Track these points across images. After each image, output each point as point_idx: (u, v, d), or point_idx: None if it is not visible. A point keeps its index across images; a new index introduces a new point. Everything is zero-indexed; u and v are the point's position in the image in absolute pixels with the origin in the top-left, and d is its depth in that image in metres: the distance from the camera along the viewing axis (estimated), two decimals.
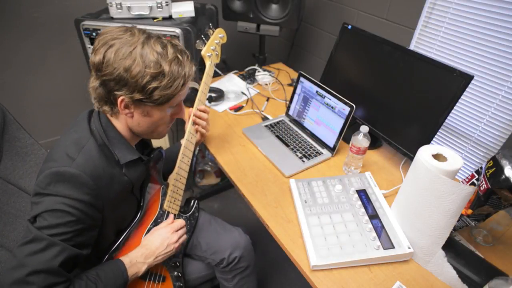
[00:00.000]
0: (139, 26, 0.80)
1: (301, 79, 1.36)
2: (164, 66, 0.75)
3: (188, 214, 1.11)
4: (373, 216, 0.97)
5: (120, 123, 0.83)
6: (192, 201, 1.15)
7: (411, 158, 1.09)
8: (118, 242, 0.90)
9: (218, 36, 1.22)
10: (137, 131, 0.85)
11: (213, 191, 2.16)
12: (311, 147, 1.28)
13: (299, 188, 1.07)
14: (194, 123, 1.10)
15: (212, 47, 1.18)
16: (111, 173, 0.79)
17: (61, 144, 0.77)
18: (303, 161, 1.22)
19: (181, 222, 1.01)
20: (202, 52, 1.16)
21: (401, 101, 1.18)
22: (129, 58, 0.72)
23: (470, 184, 0.95)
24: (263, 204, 1.05)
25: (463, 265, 0.85)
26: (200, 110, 1.10)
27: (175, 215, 1.05)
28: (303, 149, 1.27)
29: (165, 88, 0.77)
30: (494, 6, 1.17)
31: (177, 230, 0.99)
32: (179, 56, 0.78)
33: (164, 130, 0.90)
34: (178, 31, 1.46)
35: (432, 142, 1.08)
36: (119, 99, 0.76)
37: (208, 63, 1.16)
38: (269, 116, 1.47)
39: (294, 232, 0.96)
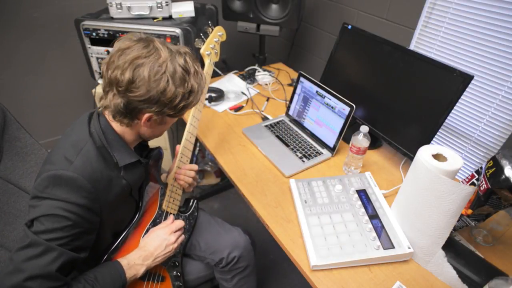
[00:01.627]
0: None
1: (301, 79, 1.36)
2: (191, 83, 0.77)
3: (187, 214, 1.11)
4: (373, 216, 0.97)
5: (130, 130, 0.83)
6: (191, 201, 1.15)
7: (411, 158, 1.09)
8: (116, 243, 0.90)
9: (217, 34, 1.21)
10: (147, 136, 0.86)
11: (213, 191, 2.16)
12: (311, 147, 1.28)
13: (299, 188, 1.07)
14: (179, 183, 1.05)
15: (211, 46, 1.17)
16: (109, 176, 0.79)
17: (60, 146, 0.77)
18: (303, 161, 1.22)
19: (179, 222, 1.01)
20: (201, 51, 1.15)
21: (401, 101, 1.18)
22: (162, 80, 0.73)
23: (470, 184, 0.95)
24: (263, 204, 1.05)
25: (463, 265, 0.85)
26: (187, 169, 1.05)
27: (174, 215, 1.05)
28: (303, 149, 1.27)
29: (191, 103, 0.80)
30: (494, 6, 1.16)
31: (175, 231, 0.99)
32: (196, 68, 0.80)
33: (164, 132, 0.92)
34: (178, 31, 1.46)
35: (432, 142, 1.08)
36: (146, 115, 0.76)
37: (207, 61, 1.16)
38: (269, 116, 1.47)
39: (294, 232, 0.96)
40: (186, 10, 1.59)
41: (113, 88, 0.74)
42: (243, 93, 1.62)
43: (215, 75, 1.46)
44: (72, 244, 0.72)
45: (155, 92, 0.73)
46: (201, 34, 1.20)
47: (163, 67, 0.73)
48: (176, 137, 2.09)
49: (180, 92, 0.75)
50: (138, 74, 0.72)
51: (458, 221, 0.90)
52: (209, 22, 1.35)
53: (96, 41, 1.56)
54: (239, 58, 2.02)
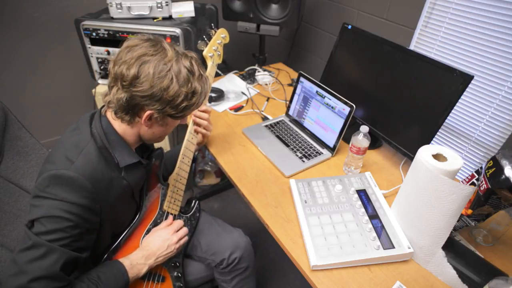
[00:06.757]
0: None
1: (301, 79, 1.36)
2: (195, 84, 0.79)
3: (188, 215, 1.11)
4: (373, 216, 0.97)
5: (130, 130, 0.82)
6: (193, 202, 1.15)
7: (411, 158, 1.09)
8: (117, 244, 0.90)
9: (220, 36, 1.22)
10: (147, 138, 0.86)
11: (213, 191, 2.16)
12: (311, 147, 1.28)
13: (299, 188, 1.07)
14: (195, 123, 1.10)
15: (214, 48, 1.18)
16: (110, 176, 0.79)
17: (61, 146, 0.77)
18: (303, 161, 1.22)
19: (180, 222, 1.01)
20: (204, 53, 1.16)
21: (401, 101, 1.18)
22: (166, 77, 0.74)
23: (470, 184, 0.95)
24: (263, 204, 1.05)
25: (463, 265, 0.85)
26: (200, 110, 1.10)
27: (174, 215, 1.05)
28: (303, 149, 1.27)
29: (193, 105, 0.81)
30: (494, 6, 1.17)
31: (177, 231, 0.99)
32: (202, 72, 0.81)
33: (166, 135, 0.92)
34: (178, 31, 1.47)
35: (432, 142, 1.08)
36: (147, 112, 0.77)
37: (209, 63, 1.16)
38: (269, 116, 1.47)
39: (294, 232, 0.96)
40: (186, 10, 1.59)
41: (117, 83, 0.75)
42: (243, 93, 1.62)
43: (215, 75, 1.46)
44: (74, 245, 0.72)
45: (158, 88, 0.74)
46: (204, 37, 1.21)
47: (168, 66, 0.74)
48: (176, 139, 2.09)
49: (183, 91, 0.76)
50: (143, 70, 0.73)
51: (458, 221, 0.90)
52: (212, 24, 1.35)
53: (96, 41, 1.56)
54: (239, 58, 2.02)
